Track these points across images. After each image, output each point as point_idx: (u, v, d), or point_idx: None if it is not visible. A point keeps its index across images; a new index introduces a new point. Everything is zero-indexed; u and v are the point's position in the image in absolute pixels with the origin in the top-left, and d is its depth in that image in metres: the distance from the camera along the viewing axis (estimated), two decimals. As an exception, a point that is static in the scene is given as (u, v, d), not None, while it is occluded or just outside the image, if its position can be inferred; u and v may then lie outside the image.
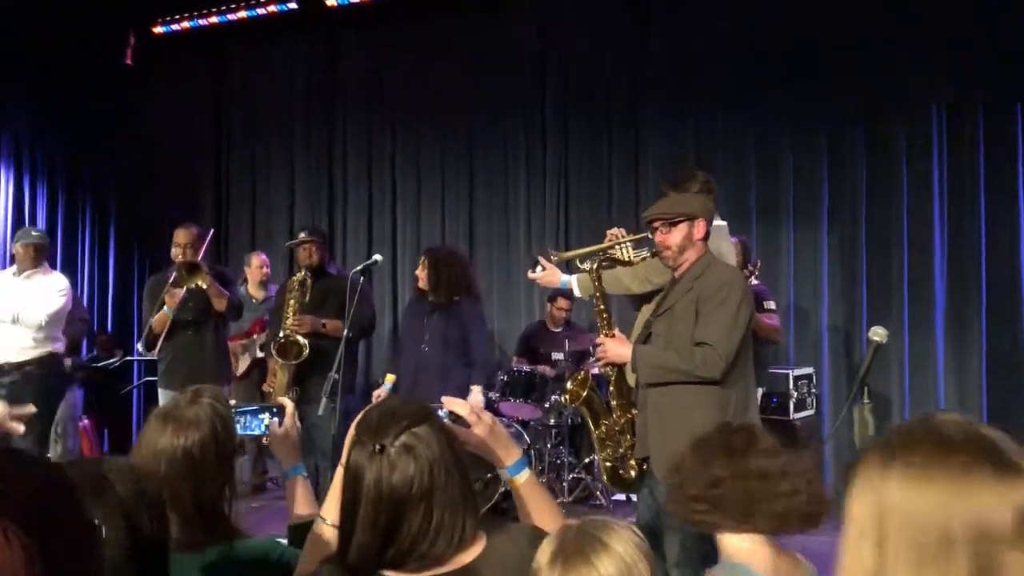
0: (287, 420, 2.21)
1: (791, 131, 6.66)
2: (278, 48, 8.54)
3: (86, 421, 7.44)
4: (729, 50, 6.81)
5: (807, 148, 6.61)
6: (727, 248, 3.77)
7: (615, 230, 3.84)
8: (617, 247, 3.67)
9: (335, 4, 7.78)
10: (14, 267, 5.41)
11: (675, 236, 3.24)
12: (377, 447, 1.56)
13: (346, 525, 1.60)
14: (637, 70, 7.20)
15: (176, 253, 5.24)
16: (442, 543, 1.55)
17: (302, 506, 2.16)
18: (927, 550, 0.97)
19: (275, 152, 8.60)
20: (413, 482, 1.54)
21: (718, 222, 3.93)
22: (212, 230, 5.59)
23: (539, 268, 3.79)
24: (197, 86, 8.87)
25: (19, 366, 5.21)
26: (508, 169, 7.69)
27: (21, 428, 2.21)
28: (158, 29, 8.42)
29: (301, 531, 2.02)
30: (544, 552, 1.51)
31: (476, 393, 5.03)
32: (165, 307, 5.11)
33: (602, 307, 3.45)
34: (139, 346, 5.29)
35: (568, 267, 4.04)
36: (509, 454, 1.82)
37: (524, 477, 1.82)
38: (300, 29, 8.30)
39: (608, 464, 3.43)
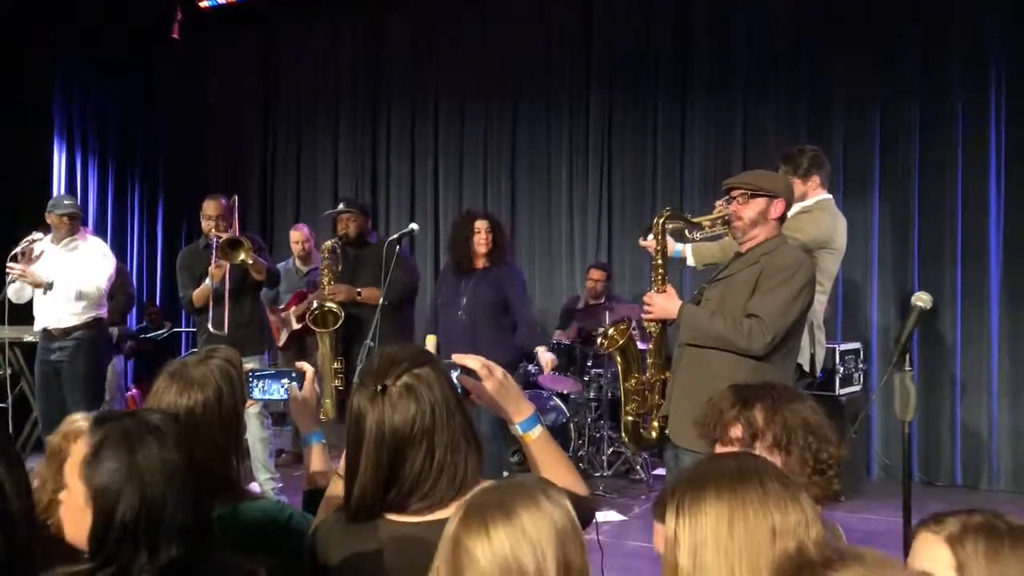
0: (306, 386, 2.18)
1: (843, 99, 6.48)
2: (324, 20, 8.57)
3: (135, 390, 7.59)
4: (777, 19, 6.67)
5: (859, 116, 6.43)
6: (830, 221, 3.88)
7: (721, 203, 3.78)
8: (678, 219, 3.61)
9: (380, -24, 7.76)
10: (50, 235, 5.38)
11: (751, 209, 3.17)
12: (379, 388, 1.56)
13: (351, 469, 1.60)
14: (683, 40, 7.08)
15: (208, 226, 5.20)
16: (444, 483, 1.56)
17: (318, 473, 2.14)
18: (738, 551, 1.24)
19: (320, 123, 8.65)
20: (415, 421, 1.55)
21: (824, 195, 3.96)
22: (236, 197, 5.45)
23: (650, 236, 3.75)
24: (244, 59, 8.96)
25: (67, 332, 5.30)
26: (551, 141, 7.62)
27: None
28: (205, 3, 8.50)
29: (315, 497, 2.01)
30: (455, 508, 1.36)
31: (545, 352, 5.07)
32: (208, 280, 5.13)
33: (659, 262, 3.38)
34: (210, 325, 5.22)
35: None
36: (520, 409, 1.77)
37: (536, 433, 1.77)
38: (346, 2, 8.30)
39: (630, 419, 3.39)
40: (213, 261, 5.09)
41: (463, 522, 1.26)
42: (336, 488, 1.80)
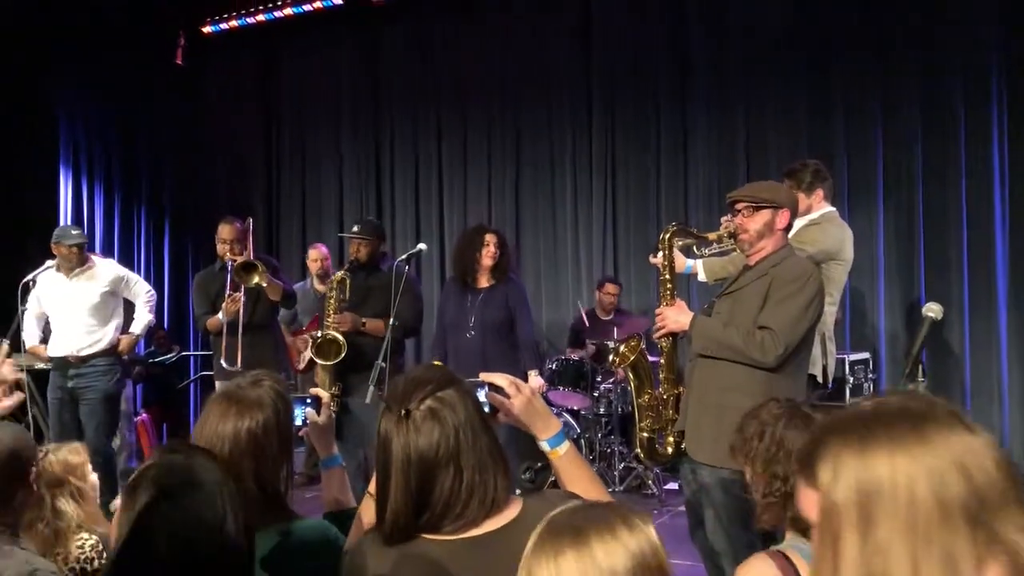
0: (323, 411, 2.23)
1: (844, 108, 6.49)
2: (325, 43, 8.62)
3: (145, 415, 7.59)
4: (775, 29, 6.68)
5: (861, 125, 6.44)
6: (837, 233, 3.90)
7: (727, 218, 3.80)
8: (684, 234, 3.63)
9: (380, -2, 7.83)
10: (52, 263, 5.40)
11: (756, 221, 3.18)
12: (403, 412, 1.58)
13: (381, 493, 1.61)
14: (683, 52, 7.11)
15: (223, 250, 5.26)
16: (475, 503, 1.57)
17: (337, 496, 2.19)
18: (925, 525, 0.90)
19: (324, 145, 8.69)
20: (440, 445, 1.56)
21: (829, 208, 3.99)
22: (250, 220, 5.53)
23: (661, 253, 3.77)
24: (247, 82, 9.02)
25: (84, 359, 5.37)
26: (554, 157, 7.65)
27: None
28: (207, 29, 8.57)
29: (336, 519, 2.06)
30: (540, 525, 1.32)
31: (535, 378, 5.02)
32: (220, 314, 5.18)
33: (667, 277, 3.40)
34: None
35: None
36: (548, 426, 1.78)
37: (564, 449, 1.79)
38: (346, 23, 8.38)
39: (645, 435, 3.39)
40: (228, 292, 5.14)
41: (538, 544, 1.23)
42: (369, 508, 1.81)
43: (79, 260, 5.38)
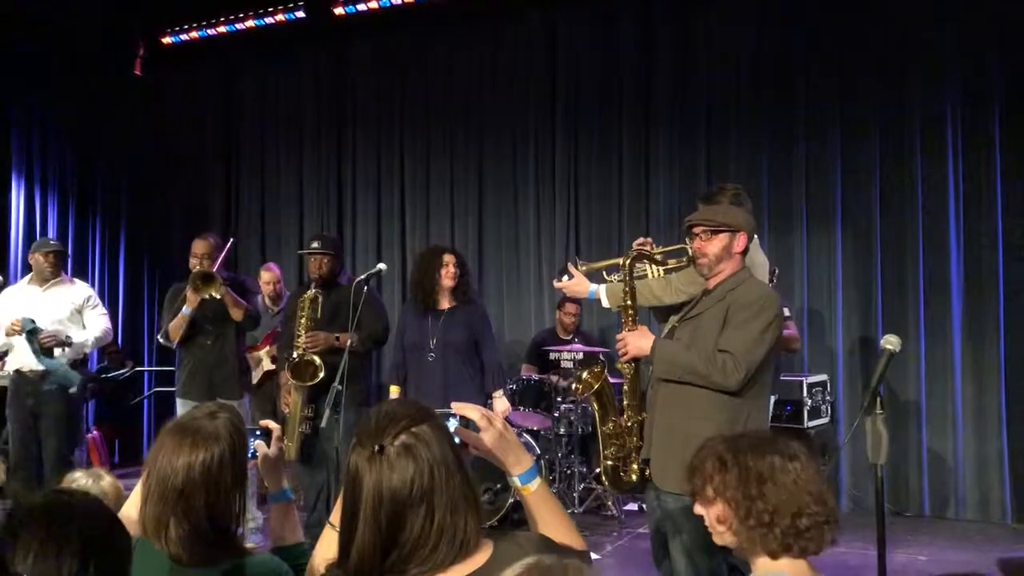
0: (273, 444, 2.20)
1: (804, 135, 6.57)
2: (287, 57, 8.54)
3: (96, 433, 7.43)
4: (739, 55, 6.76)
5: (820, 152, 6.52)
6: (761, 259, 3.74)
7: (642, 239, 3.75)
8: (645, 258, 3.57)
9: (343, 13, 7.75)
10: (29, 276, 5.46)
11: (714, 245, 3.16)
12: (376, 448, 1.51)
13: (346, 530, 1.54)
14: (647, 76, 7.14)
15: (194, 264, 5.20)
16: (444, 546, 1.50)
17: (285, 531, 2.16)
18: None
19: (285, 161, 8.60)
20: (413, 483, 1.49)
21: None
22: (232, 240, 5.52)
23: (566, 277, 3.69)
24: (207, 96, 8.90)
25: (43, 374, 5.26)
26: (517, 176, 7.63)
27: None
28: (167, 40, 8.43)
29: (284, 555, 2.05)
30: None
31: (501, 400, 4.98)
32: (184, 308, 5.10)
33: (629, 303, 3.35)
34: (159, 337, 5.38)
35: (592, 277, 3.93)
36: (519, 461, 1.74)
37: (535, 486, 1.74)
38: (309, 38, 8.29)
39: (609, 463, 3.35)
40: (184, 293, 5.11)
41: None
42: (332, 537, 1.73)
43: (53, 271, 5.38)
